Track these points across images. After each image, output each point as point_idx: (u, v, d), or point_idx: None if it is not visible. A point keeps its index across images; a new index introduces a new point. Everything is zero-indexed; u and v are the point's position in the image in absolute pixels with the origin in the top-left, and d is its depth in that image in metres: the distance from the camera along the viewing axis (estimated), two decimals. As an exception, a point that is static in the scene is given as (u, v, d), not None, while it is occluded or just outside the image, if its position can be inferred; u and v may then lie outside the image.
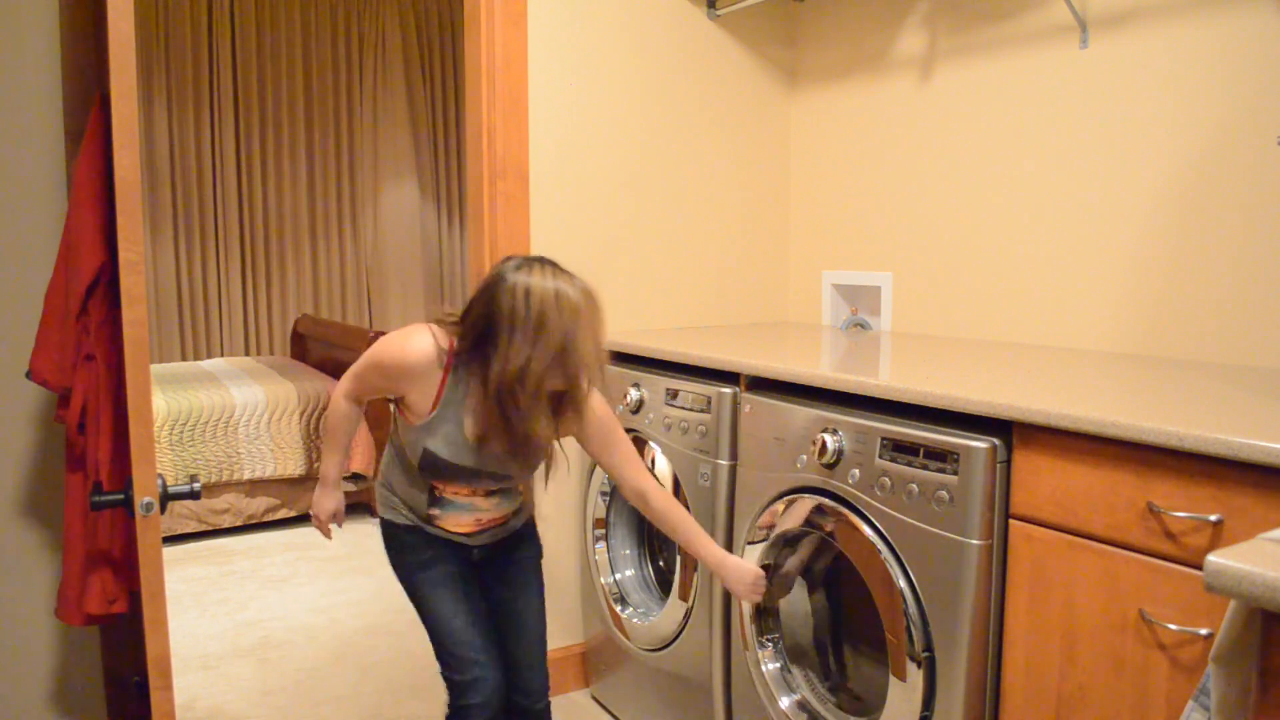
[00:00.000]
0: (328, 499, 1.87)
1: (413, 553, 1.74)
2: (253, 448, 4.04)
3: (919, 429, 1.57)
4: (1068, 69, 2.13)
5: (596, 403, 1.68)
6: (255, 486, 4.09)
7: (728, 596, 2.02)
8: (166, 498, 1.33)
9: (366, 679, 2.71)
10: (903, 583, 1.56)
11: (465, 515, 1.72)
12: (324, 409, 4.22)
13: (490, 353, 1.50)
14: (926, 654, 1.54)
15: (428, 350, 1.56)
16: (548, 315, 1.46)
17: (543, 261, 1.53)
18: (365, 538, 4.04)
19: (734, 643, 1.99)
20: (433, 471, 1.63)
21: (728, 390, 1.99)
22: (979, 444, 1.47)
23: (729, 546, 2.01)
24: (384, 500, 1.78)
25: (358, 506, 4.46)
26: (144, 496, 1.27)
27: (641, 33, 2.60)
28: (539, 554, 1.87)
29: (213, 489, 3.97)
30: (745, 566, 1.71)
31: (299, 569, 3.64)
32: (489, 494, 1.72)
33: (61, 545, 1.90)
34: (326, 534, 1.89)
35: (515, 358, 1.46)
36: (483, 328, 1.51)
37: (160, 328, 6.33)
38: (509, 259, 1.55)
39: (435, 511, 1.71)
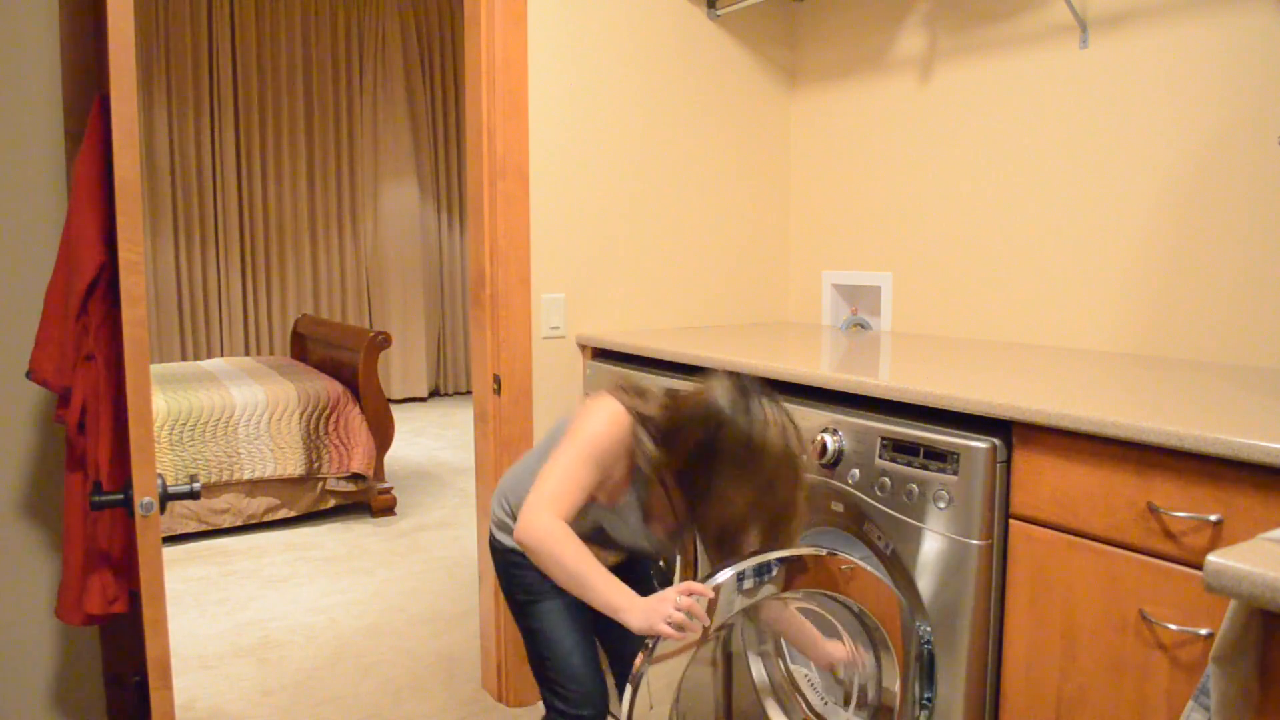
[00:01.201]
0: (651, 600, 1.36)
1: (535, 579, 1.59)
2: (253, 448, 4.04)
3: (919, 429, 1.57)
4: (1068, 69, 2.13)
5: None
6: (255, 486, 4.09)
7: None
8: (166, 498, 1.33)
9: (366, 679, 2.71)
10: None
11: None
12: (324, 409, 4.22)
13: (698, 481, 1.41)
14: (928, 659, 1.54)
15: (627, 428, 1.46)
16: (765, 464, 1.38)
17: (760, 393, 1.42)
18: (365, 538, 4.04)
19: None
20: (598, 542, 1.55)
21: (728, 390, 1.99)
22: (979, 444, 1.47)
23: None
24: (505, 525, 1.66)
25: (358, 506, 4.46)
26: (144, 496, 1.27)
27: (641, 33, 2.60)
28: (649, 581, 1.81)
29: (213, 489, 3.98)
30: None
31: (299, 569, 3.64)
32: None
33: (61, 545, 1.90)
34: (702, 620, 1.37)
35: (733, 502, 1.38)
36: (695, 462, 1.40)
37: (160, 328, 6.33)
38: (718, 387, 1.42)
39: None
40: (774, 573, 1.47)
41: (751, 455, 1.38)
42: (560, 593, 1.60)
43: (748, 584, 1.46)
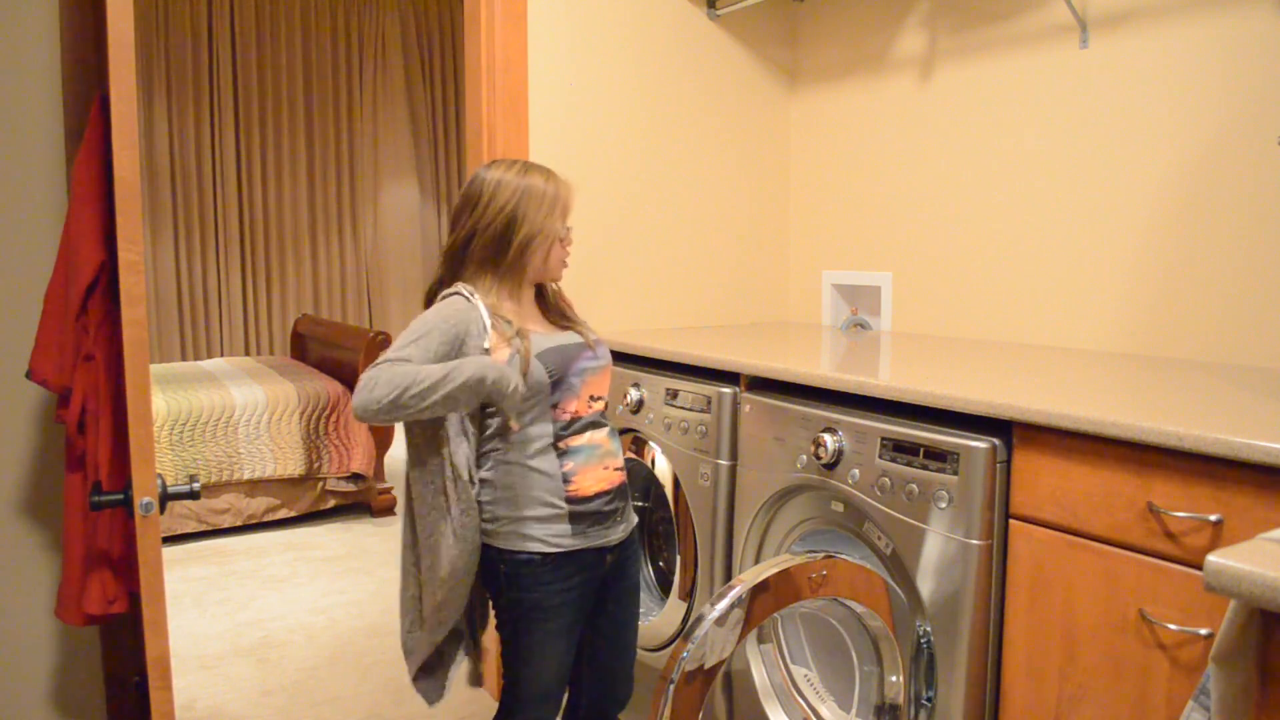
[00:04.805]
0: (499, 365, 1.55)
1: (546, 595, 1.60)
2: (253, 448, 4.04)
3: (919, 429, 1.57)
4: (1068, 69, 2.13)
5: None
6: (255, 486, 4.09)
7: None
8: (166, 498, 1.33)
9: (366, 679, 2.71)
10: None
11: (594, 463, 1.63)
12: (324, 409, 4.22)
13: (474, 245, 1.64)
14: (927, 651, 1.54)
15: (461, 303, 1.61)
16: (503, 191, 1.64)
17: (511, 161, 1.71)
18: (365, 538, 4.04)
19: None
20: (557, 380, 1.60)
21: (728, 390, 1.99)
22: (979, 444, 1.47)
23: (728, 547, 2.01)
24: (511, 532, 1.60)
25: (358, 506, 4.46)
26: (143, 497, 1.27)
27: (641, 33, 2.60)
28: (640, 572, 1.85)
29: (213, 489, 3.97)
30: None
31: (299, 569, 3.64)
32: (600, 421, 1.68)
33: (61, 545, 1.90)
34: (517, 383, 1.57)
35: (472, 227, 1.63)
36: (467, 231, 1.64)
37: (160, 328, 6.33)
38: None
39: (569, 469, 1.60)
40: (744, 601, 1.49)
41: (494, 191, 1.66)
42: (563, 610, 1.62)
43: (729, 617, 1.47)
